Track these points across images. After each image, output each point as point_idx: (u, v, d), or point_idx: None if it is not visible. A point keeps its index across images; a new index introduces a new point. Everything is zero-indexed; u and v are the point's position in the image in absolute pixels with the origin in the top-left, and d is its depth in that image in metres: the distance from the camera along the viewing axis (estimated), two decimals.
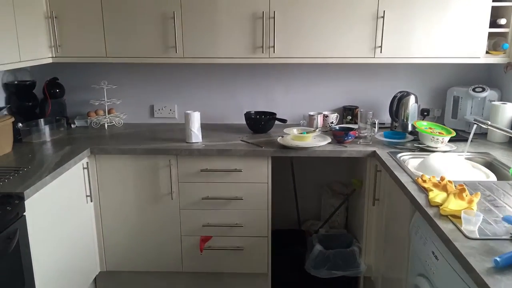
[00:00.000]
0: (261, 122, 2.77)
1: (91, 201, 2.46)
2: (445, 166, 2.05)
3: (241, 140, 2.55)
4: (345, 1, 2.47)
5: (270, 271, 2.61)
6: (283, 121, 2.80)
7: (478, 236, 1.35)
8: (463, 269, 1.26)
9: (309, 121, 2.78)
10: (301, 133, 2.48)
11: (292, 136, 2.46)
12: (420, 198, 1.69)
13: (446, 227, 1.43)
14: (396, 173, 1.99)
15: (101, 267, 2.60)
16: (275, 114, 2.85)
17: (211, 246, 2.54)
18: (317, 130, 2.54)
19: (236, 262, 2.57)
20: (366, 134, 2.50)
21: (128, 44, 2.58)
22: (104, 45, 2.59)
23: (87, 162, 2.39)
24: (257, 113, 2.90)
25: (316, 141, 2.44)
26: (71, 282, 2.25)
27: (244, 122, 2.82)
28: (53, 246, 2.07)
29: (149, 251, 2.57)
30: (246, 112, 2.86)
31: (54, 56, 2.61)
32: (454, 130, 2.74)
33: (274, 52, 2.55)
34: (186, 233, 2.54)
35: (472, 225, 1.39)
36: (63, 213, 2.16)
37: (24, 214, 1.79)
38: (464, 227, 1.40)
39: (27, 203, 1.80)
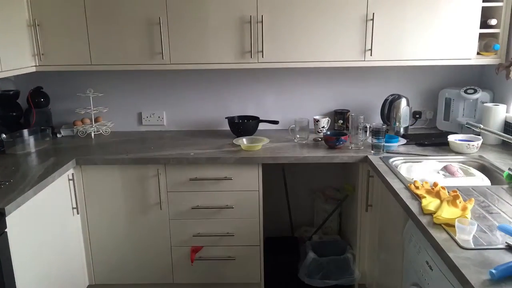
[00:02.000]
0: (241, 126, 2.76)
1: (78, 213, 2.40)
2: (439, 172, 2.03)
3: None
4: (333, 5, 2.44)
5: (263, 281, 2.56)
6: (275, 122, 2.77)
7: (473, 246, 1.31)
8: (457, 281, 1.22)
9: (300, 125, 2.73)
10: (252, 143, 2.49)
11: (243, 146, 2.45)
12: (413, 205, 1.64)
13: (439, 236, 1.39)
14: (388, 179, 1.94)
15: (89, 280, 2.53)
16: (258, 117, 2.82)
17: (202, 256, 2.49)
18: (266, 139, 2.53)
19: (228, 272, 2.52)
20: (358, 140, 2.45)
21: (114, 51, 2.53)
22: (88, 52, 2.53)
23: (72, 174, 2.33)
24: (240, 117, 2.87)
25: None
26: None
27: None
28: (38, 262, 2.01)
29: (139, 263, 2.51)
30: (228, 116, 2.83)
31: (37, 64, 2.55)
32: (447, 132, 2.72)
33: (262, 57, 2.51)
34: (176, 243, 2.48)
35: (467, 234, 1.35)
36: (48, 227, 2.10)
37: (5, 230, 1.72)
38: (458, 236, 1.36)
39: (9, 219, 1.73)
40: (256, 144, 2.46)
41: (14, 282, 1.78)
